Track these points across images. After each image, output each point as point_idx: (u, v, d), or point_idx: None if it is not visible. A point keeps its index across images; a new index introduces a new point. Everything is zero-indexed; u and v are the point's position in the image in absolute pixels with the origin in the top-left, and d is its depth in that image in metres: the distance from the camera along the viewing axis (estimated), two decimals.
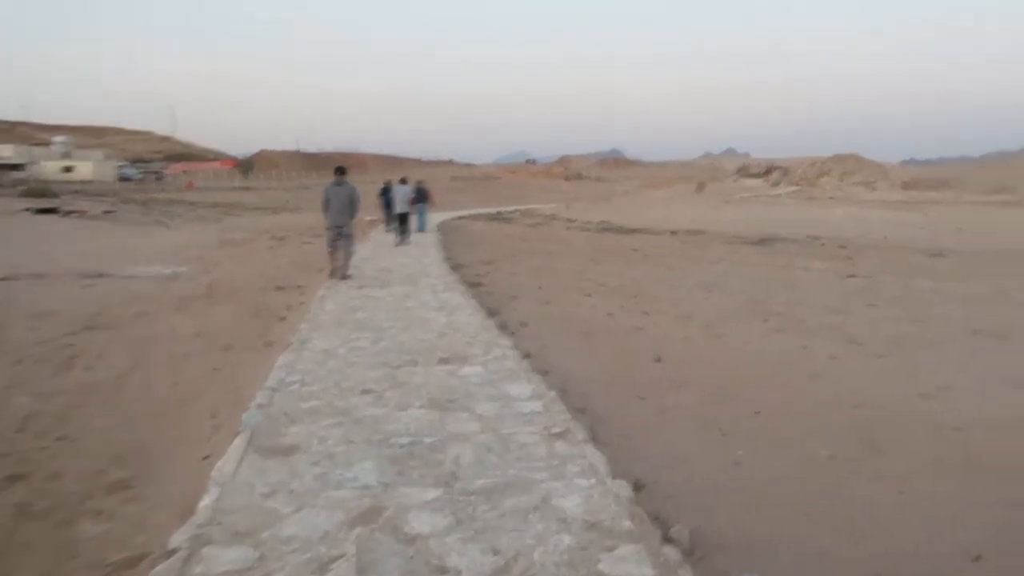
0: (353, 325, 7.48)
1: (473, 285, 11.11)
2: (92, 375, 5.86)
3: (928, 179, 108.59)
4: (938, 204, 62.15)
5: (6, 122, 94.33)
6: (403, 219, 18.40)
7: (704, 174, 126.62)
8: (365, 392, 5.06)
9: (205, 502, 3.30)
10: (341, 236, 11.45)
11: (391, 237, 18.94)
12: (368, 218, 22.31)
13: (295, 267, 13.64)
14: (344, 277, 11.34)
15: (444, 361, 5.98)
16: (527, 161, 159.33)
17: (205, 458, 4.09)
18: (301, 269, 13.23)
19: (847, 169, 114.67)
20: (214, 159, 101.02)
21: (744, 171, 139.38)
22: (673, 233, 26.48)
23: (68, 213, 28.52)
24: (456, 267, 13.39)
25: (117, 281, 11.57)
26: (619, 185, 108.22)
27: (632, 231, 27.21)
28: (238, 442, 4.07)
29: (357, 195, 11.71)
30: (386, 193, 20.81)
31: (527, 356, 6.40)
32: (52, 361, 6.24)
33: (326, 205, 11.55)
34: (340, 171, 12.00)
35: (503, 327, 7.76)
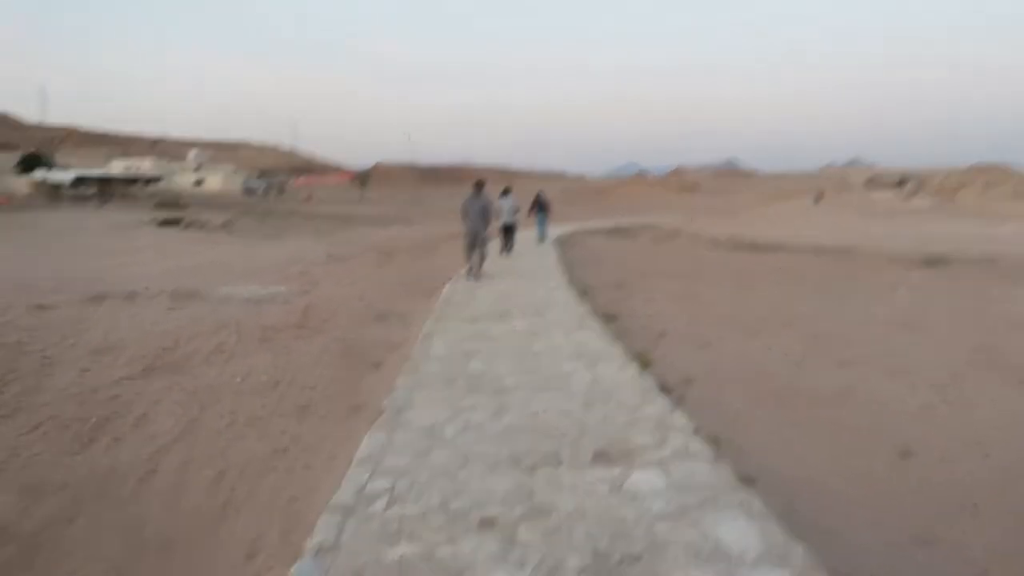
0: (466, 381, 5.63)
1: (609, 318, 9.08)
2: (118, 453, 4.29)
3: None
4: None
5: (148, 139, 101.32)
6: (508, 230, 17.33)
7: (830, 185, 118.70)
8: (486, 525, 3.15)
9: None
10: (478, 241, 12.67)
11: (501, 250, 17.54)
12: None
13: (401, 288, 12.10)
14: (479, 276, 12.65)
15: (601, 458, 3.98)
16: (638, 173, 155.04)
17: None
18: (407, 292, 11.66)
19: (991, 180, 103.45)
20: (334, 172, 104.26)
21: (875, 182, 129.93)
22: (818, 251, 23.35)
23: (188, 225, 28.84)
24: (583, 292, 11.39)
25: (208, 303, 10.37)
26: (738, 197, 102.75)
27: (769, 248, 24.26)
28: None
29: (491, 206, 13.20)
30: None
31: (715, 443, 4.34)
32: (79, 426, 4.75)
33: (465, 214, 12.74)
34: (479, 185, 13.06)
35: (666, 388, 5.70)
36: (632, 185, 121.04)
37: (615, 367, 6.14)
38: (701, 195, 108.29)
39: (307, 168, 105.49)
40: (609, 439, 4.29)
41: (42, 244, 20.46)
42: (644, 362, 6.69)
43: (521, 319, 8.45)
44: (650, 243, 25.93)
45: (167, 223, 28.99)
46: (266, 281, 12.76)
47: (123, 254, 18.36)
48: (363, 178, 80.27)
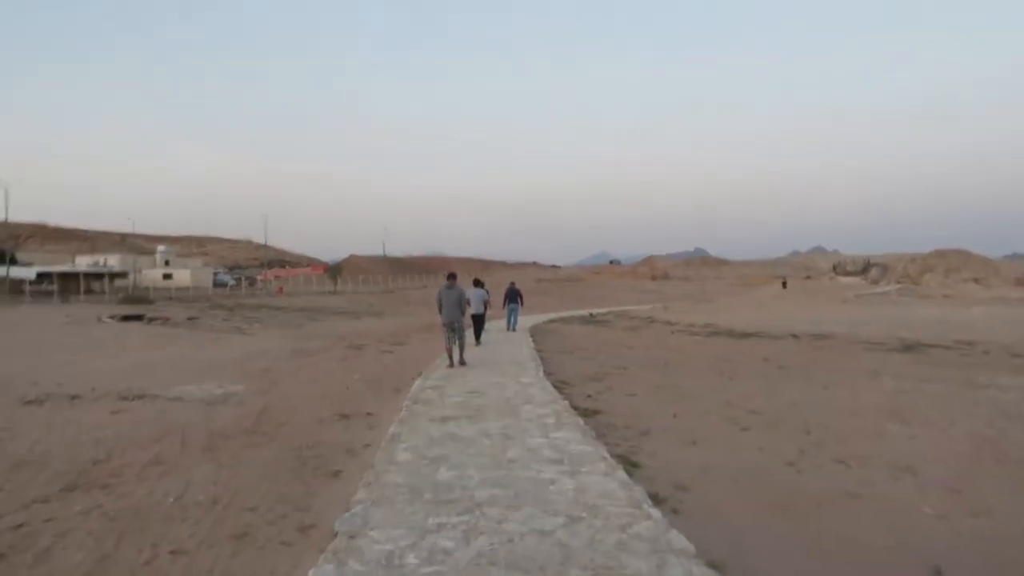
0: (433, 494, 4.96)
1: (589, 414, 8.48)
2: None
3: None
4: None
5: (117, 234, 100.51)
6: (478, 320, 17.57)
7: (797, 272, 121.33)
8: None
9: None
10: (454, 331, 12.76)
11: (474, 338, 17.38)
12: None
13: (368, 385, 11.41)
14: (461, 364, 12.72)
15: None
16: (611, 262, 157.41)
17: None
18: (375, 388, 10.98)
19: (952, 265, 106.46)
20: (306, 265, 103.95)
21: (840, 268, 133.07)
22: (795, 337, 23.16)
23: (151, 320, 27.95)
24: (561, 386, 10.81)
25: (157, 404, 9.60)
26: (708, 284, 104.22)
27: (746, 335, 24.06)
28: None
29: (466, 296, 13.57)
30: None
31: (721, 569, 3.72)
32: None
33: (440, 305, 12.99)
34: (451, 277, 13.40)
35: (657, 498, 5.09)
36: (605, 274, 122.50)
37: (599, 472, 5.52)
38: (672, 283, 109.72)
39: (279, 261, 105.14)
40: (598, 567, 3.65)
41: None
42: (630, 464, 6.09)
43: (496, 420, 7.80)
44: (625, 331, 25.59)
45: (129, 318, 28.10)
46: (225, 379, 12.01)
47: (78, 351, 17.47)
48: (335, 270, 79.97)
